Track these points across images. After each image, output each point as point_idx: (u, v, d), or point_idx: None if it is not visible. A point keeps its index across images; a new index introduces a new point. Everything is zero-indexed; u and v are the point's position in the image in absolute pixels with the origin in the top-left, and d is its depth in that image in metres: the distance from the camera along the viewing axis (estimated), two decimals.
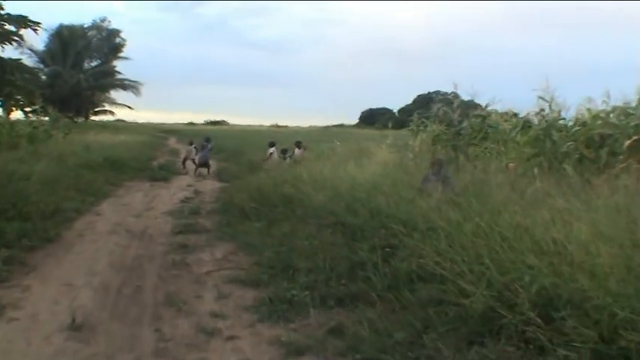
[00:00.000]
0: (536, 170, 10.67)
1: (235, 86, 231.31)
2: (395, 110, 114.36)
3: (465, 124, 14.48)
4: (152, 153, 31.16)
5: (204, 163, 21.55)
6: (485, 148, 13.41)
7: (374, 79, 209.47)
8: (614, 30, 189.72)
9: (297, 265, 7.35)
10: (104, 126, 55.37)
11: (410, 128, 18.90)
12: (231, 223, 10.93)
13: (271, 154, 20.60)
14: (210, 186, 18.07)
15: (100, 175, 17.38)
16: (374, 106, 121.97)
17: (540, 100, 12.24)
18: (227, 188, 16.41)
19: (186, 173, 21.88)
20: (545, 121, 11.55)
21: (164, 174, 20.40)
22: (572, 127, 11.81)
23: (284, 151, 20.74)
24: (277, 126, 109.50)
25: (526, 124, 12.55)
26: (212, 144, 22.95)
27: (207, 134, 28.28)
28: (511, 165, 11.69)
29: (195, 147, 23.13)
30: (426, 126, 18.03)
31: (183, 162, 23.43)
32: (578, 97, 13.38)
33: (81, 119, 62.57)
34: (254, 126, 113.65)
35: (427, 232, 6.89)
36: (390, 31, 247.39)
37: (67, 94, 45.31)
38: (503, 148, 12.44)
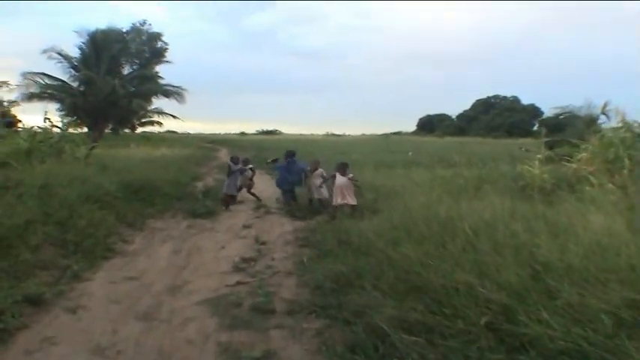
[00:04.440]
0: None
1: (285, 94, 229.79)
2: (453, 116, 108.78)
3: None
4: (197, 170, 24.90)
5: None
6: None
7: (425, 85, 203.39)
8: None
9: None
10: (148, 138, 50.21)
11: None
12: None
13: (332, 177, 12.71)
14: (278, 228, 11.70)
15: (109, 212, 11.21)
16: (430, 112, 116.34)
17: None
18: (310, 238, 10.05)
19: (239, 202, 15.40)
20: None
21: (209, 205, 14.06)
22: None
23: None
24: (333, 135, 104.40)
25: None
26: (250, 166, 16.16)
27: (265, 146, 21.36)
28: None
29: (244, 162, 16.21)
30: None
31: (238, 190, 15.63)
32: None
33: (126, 130, 57.83)
34: (307, 135, 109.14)
35: None
36: (435, 35, 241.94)
37: (100, 103, 39.58)
38: None
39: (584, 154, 12.24)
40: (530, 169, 12.20)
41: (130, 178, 14.82)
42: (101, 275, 7.82)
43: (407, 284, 5.74)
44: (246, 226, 11.85)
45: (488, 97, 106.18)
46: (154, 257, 9.00)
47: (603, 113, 23.33)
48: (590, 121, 23.26)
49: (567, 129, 25.39)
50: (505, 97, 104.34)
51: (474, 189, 11.52)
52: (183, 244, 10.10)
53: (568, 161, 13.08)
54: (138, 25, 52.39)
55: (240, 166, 15.47)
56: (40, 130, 17.69)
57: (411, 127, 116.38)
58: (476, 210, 8.33)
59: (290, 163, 14.57)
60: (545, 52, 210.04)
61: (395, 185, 13.13)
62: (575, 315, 4.42)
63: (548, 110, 26.56)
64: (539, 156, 12.77)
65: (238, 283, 7.46)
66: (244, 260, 8.70)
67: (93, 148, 20.03)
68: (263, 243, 10.07)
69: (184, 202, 14.65)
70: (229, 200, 14.74)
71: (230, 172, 15.04)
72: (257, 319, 6.04)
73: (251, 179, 16.05)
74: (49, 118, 18.48)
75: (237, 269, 8.22)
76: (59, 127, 18.36)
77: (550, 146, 27.14)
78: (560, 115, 25.02)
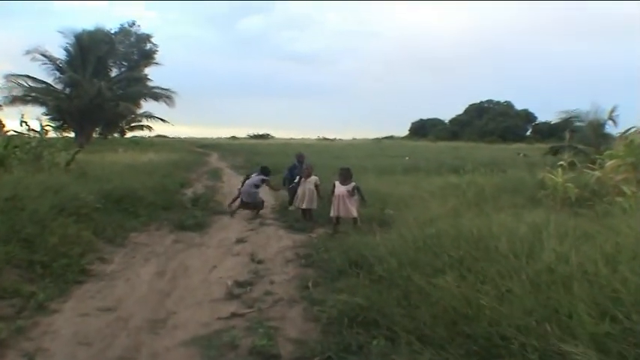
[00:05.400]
0: None
1: (277, 99, 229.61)
2: (446, 121, 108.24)
3: None
4: (186, 176, 23.67)
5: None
6: None
7: (417, 89, 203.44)
8: None
9: None
10: (136, 142, 48.96)
11: None
12: None
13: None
14: (276, 243, 10.53)
15: (86, 226, 10.01)
16: (422, 117, 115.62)
17: None
18: (314, 256, 8.87)
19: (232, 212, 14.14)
20: None
21: (199, 216, 12.86)
22: None
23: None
24: (325, 139, 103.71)
25: None
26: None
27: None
28: None
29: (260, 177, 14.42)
30: None
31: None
32: None
33: (115, 135, 56.44)
34: (298, 139, 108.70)
35: None
36: (426, 41, 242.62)
37: (86, 106, 38.08)
38: None
39: (612, 161, 11.10)
40: (553, 177, 11.05)
41: (112, 187, 13.55)
42: (71, 305, 6.59)
43: (450, 329, 4.54)
44: (239, 241, 10.67)
45: (482, 102, 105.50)
46: (135, 281, 7.78)
47: (610, 118, 22.37)
48: (598, 127, 22.25)
49: (574, 135, 24.46)
50: (498, 102, 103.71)
51: (492, 199, 10.40)
52: (169, 262, 8.89)
53: (590, 168, 11.97)
54: (126, 26, 51.00)
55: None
56: (16, 135, 16.43)
57: (404, 131, 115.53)
58: (505, 224, 7.20)
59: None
60: (538, 57, 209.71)
61: (403, 194, 11.98)
62: None
63: (555, 115, 25.44)
64: (561, 162, 11.62)
65: (233, 315, 6.26)
66: (239, 284, 7.51)
67: (77, 152, 18.72)
68: (260, 261, 8.87)
69: (171, 212, 13.45)
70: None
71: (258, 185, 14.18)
72: None
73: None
74: (25, 122, 17.17)
75: (230, 296, 7.01)
76: (37, 132, 17.01)
77: (554, 152, 26.18)
78: (568, 119, 24.02)
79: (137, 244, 10.26)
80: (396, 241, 7.40)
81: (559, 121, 25.27)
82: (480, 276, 5.22)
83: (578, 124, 25.11)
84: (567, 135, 20.63)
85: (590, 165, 12.07)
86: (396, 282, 5.84)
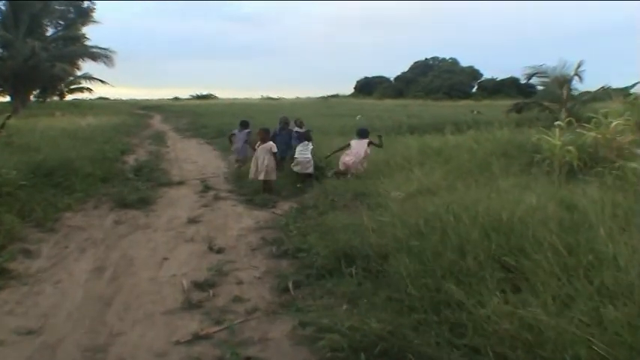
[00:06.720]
0: None
1: (219, 59, 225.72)
2: (391, 78, 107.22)
3: None
4: (128, 142, 21.72)
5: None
6: None
7: (360, 47, 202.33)
8: None
9: None
10: (76, 105, 46.42)
11: None
12: None
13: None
14: (236, 223, 9.01)
15: (9, 208, 8.35)
16: (367, 75, 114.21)
17: None
18: (285, 241, 7.39)
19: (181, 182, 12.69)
20: None
21: (143, 189, 11.28)
22: None
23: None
24: (269, 98, 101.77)
25: None
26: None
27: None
28: None
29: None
30: None
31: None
32: None
33: (54, 98, 53.30)
34: (242, 99, 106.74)
35: None
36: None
37: (20, 68, 35.39)
38: None
39: (617, 122, 9.83)
40: (550, 139, 9.75)
41: (42, 157, 11.72)
42: None
43: None
44: (192, 221, 9.13)
45: (427, 59, 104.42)
46: (67, 283, 6.18)
47: (577, 74, 21.50)
48: (564, 83, 21.35)
49: (540, 91, 23.56)
50: (444, 59, 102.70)
51: (485, 165, 9.13)
52: (110, 253, 7.31)
53: (583, 128, 10.70)
54: None
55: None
56: None
57: (349, 89, 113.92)
58: (524, 201, 5.88)
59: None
60: (483, 13, 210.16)
61: (376, 159, 10.63)
62: None
63: (521, 70, 24.52)
64: (558, 122, 10.36)
65: (196, 337, 4.76)
66: (198, 285, 5.98)
67: (8, 118, 16.84)
68: (220, 250, 7.36)
69: (111, 185, 11.82)
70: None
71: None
72: None
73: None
74: None
75: (189, 304, 5.47)
76: None
77: (518, 109, 25.27)
78: (533, 75, 23.04)
79: (71, 227, 8.64)
80: (397, 228, 5.92)
81: (505, 77, 24.65)
82: (529, 281, 3.87)
83: (539, 79, 24.35)
84: (564, 92, 19.55)
85: (585, 125, 10.79)
86: (421, 293, 4.39)
